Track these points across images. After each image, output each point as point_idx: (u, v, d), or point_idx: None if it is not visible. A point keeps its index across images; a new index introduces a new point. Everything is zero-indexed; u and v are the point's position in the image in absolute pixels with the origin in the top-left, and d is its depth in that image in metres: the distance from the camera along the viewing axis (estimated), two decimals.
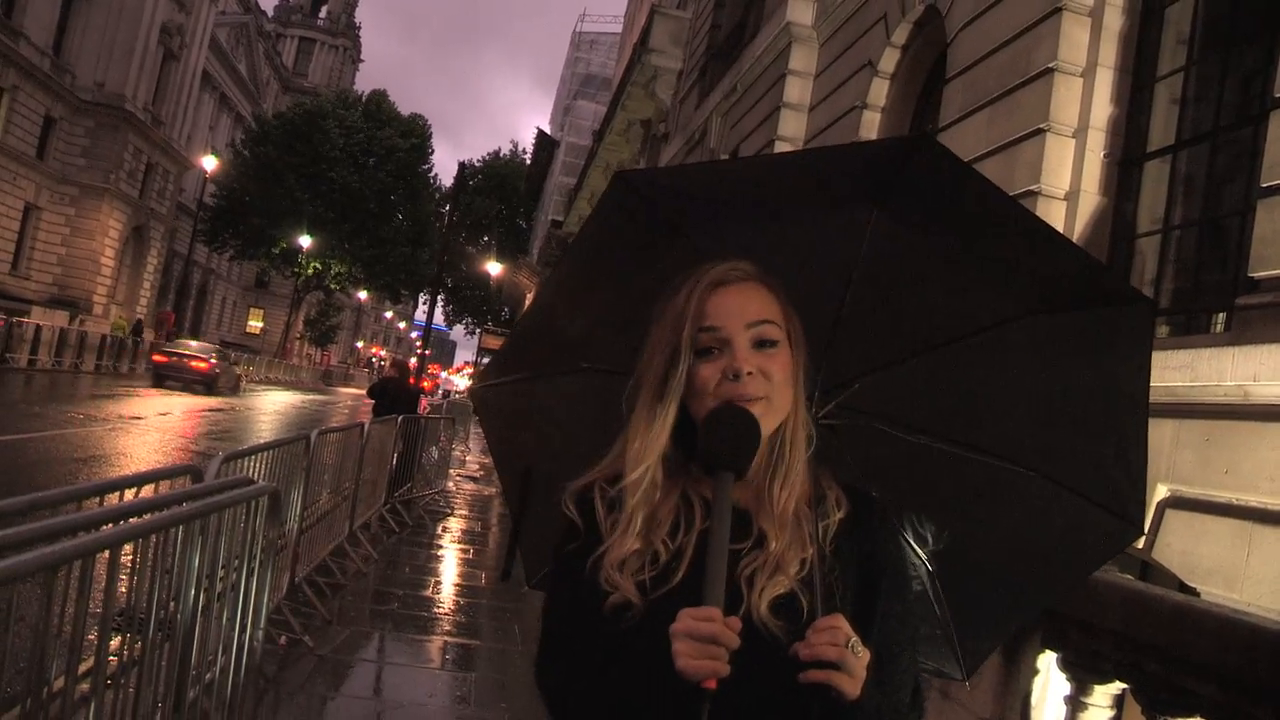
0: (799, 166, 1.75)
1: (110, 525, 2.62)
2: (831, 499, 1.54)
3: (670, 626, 1.30)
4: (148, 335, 42.95)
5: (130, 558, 2.94)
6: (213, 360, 32.48)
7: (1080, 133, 7.47)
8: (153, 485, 3.63)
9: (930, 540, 1.71)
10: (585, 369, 1.91)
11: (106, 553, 2.52)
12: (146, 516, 2.85)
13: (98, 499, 3.14)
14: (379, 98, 71.69)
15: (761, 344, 1.49)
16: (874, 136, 11.66)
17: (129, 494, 3.32)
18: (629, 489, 1.51)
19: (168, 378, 31.51)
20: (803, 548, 1.46)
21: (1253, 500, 4.89)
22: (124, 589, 3.10)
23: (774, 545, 1.46)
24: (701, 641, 1.27)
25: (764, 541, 1.47)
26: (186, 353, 32.46)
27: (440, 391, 59.06)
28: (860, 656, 1.33)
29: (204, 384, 31.77)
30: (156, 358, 32.61)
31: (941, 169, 1.51)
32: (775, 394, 1.48)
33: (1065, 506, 1.78)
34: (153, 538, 2.83)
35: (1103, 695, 3.19)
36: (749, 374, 1.46)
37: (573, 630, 1.52)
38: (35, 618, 2.36)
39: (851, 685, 1.31)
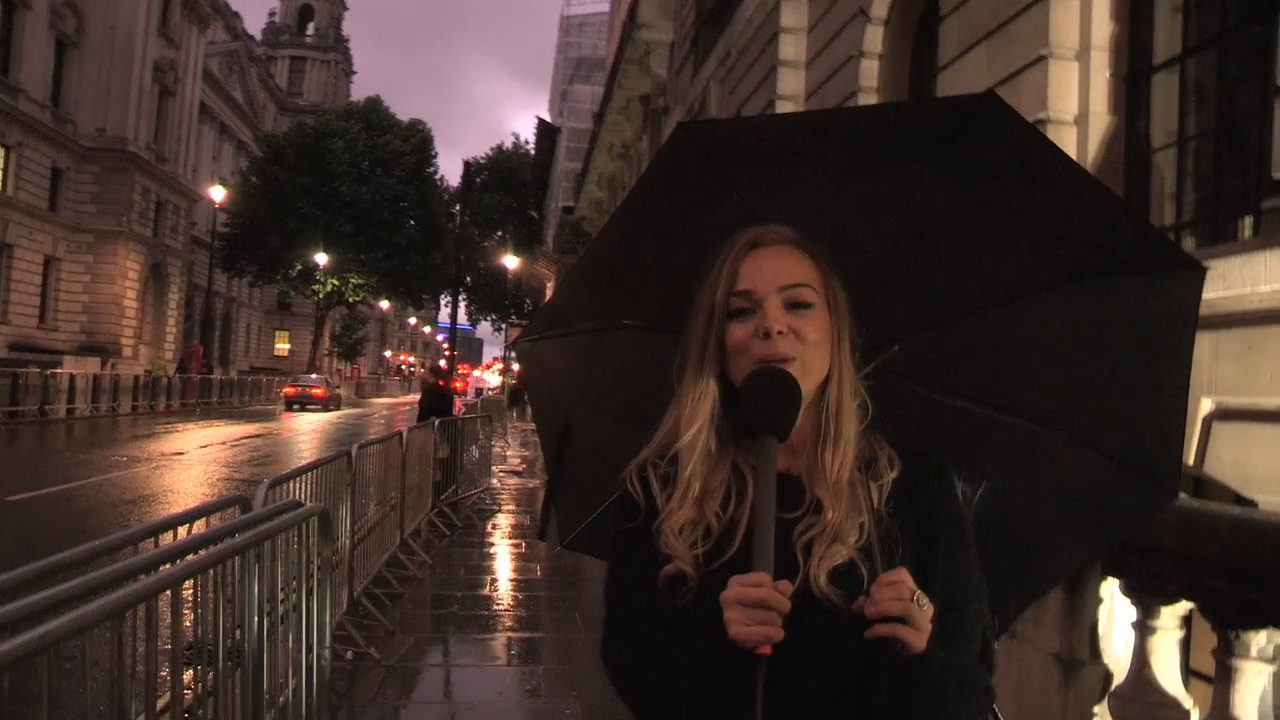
0: (859, 123, 1.73)
1: (168, 565, 2.65)
2: (883, 460, 1.52)
3: (721, 595, 1.31)
4: (171, 369, 43.24)
5: (191, 592, 2.98)
6: (328, 387, 45.79)
7: (1082, 54, 7.36)
8: (204, 520, 3.67)
9: (970, 499, 1.69)
10: (627, 326, 1.89)
11: (168, 592, 2.55)
12: (202, 552, 2.88)
13: (153, 540, 3.18)
14: (374, 104, 71.72)
15: (795, 305, 1.48)
16: (873, 84, 11.56)
17: (182, 531, 3.37)
18: (681, 455, 1.51)
19: (297, 403, 43.21)
20: (859, 513, 1.45)
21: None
22: (189, 623, 3.15)
23: (830, 514, 1.44)
24: (752, 608, 1.27)
25: (819, 509, 1.46)
26: (308, 384, 45.74)
27: (473, 390, 59.30)
28: (925, 609, 1.32)
29: (322, 405, 43.70)
30: (287, 391, 45.27)
31: (1003, 129, 1.49)
32: (809, 355, 1.47)
33: (1099, 469, 1.76)
34: (210, 572, 2.87)
35: (1170, 617, 3.17)
36: (780, 333, 1.45)
37: (634, 607, 1.53)
38: (109, 661, 2.40)
39: (917, 638, 1.31)
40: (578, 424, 1.95)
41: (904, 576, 1.33)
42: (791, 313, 1.48)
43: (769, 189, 1.67)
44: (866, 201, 1.67)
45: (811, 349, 1.48)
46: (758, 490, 1.38)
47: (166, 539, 3.25)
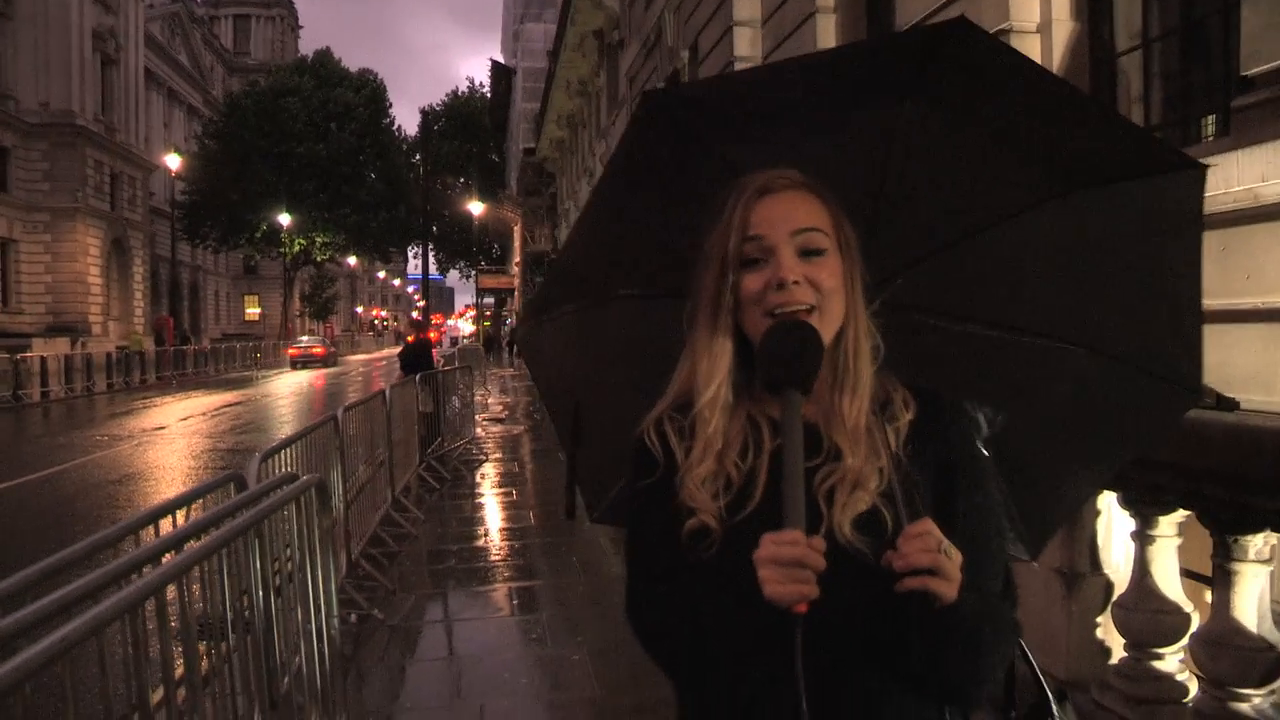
0: (827, 67, 1.69)
1: (171, 553, 2.65)
2: (898, 402, 1.51)
3: (754, 554, 1.30)
4: (148, 344, 42.91)
5: (198, 573, 2.97)
6: (326, 346, 51.18)
7: None
8: (201, 501, 3.66)
9: (984, 423, 1.69)
10: (621, 296, 1.89)
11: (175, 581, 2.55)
12: (206, 537, 2.87)
13: (153, 526, 3.17)
14: (323, 57, 70.38)
15: (808, 252, 1.46)
16: (830, 4, 11.42)
17: (180, 515, 3.36)
18: (704, 409, 1.50)
19: (299, 363, 47.25)
20: (878, 458, 1.44)
21: (1277, 301, 4.87)
22: (195, 595, 3.15)
23: (850, 460, 1.43)
24: (787, 566, 1.27)
25: (837, 455, 1.45)
26: (309, 344, 50.68)
27: (448, 340, 59.33)
28: (953, 558, 1.32)
29: (323, 363, 48.29)
30: (290, 352, 49.33)
31: (975, 52, 1.47)
32: (825, 302, 1.45)
33: (1117, 378, 1.76)
34: (215, 557, 2.86)
35: (1168, 525, 3.22)
36: (795, 283, 1.43)
37: (658, 564, 1.51)
38: (125, 650, 2.41)
39: (948, 588, 1.30)
40: (589, 401, 1.94)
41: (930, 527, 1.32)
42: (805, 260, 1.46)
43: (748, 142, 1.65)
44: (848, 141, 1.65)
45: (828, 296, 1.46)
46: (786, 446, 1.36)
47: (166, 524, 3.25)
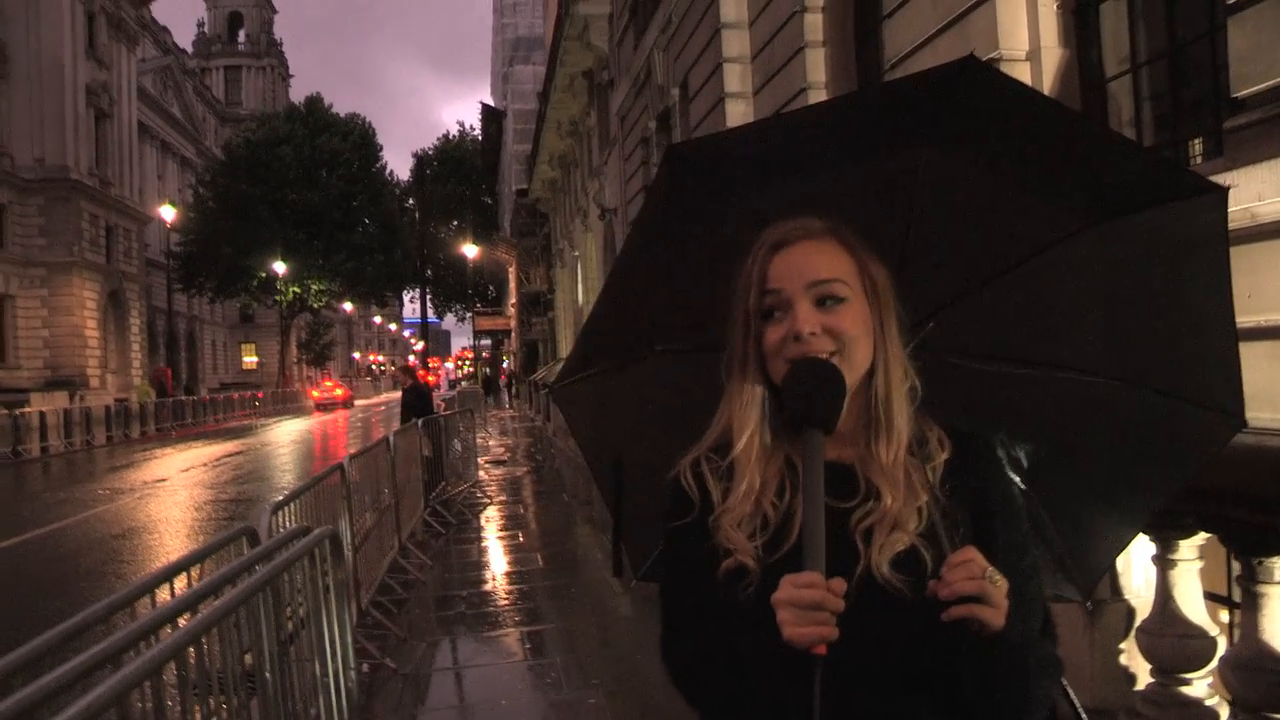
0: (843, 112, 1.71)
1: (189, 615, 2.62)
2: (934, 441, 1.51)
3: (772, 596, 1.30)
4: (153, 395, 42.88)
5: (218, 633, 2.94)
6: (347, 389, 58.68)
7: None
8: (214, 556, 3.64)
9: (1024, 461, 1.69)
10: (659, 352, 1.89)
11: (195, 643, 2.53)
12: (223, 596, 2.85)
13: (168, 586, 3.14)
14: (313, 103, 70.81)
15: (827, 300, 1.46)
16: (819, 38, 11.52)
17: (194, 572, 3.33)
18: (738, 461, 1.50)
19: (323, 407, 52.93)
20: (916, 498, 1.44)
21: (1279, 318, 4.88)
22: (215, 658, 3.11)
23: (889, 501, 1.43)
24: (805, 609, 1.26)
25: (876, 496, 1.45)
26: (331, 387, 58.96)
27: (446, 384, 59.87)
28: (999, 585, 1.31)
29: (345, 405, 54.66)
30: (314, 396, 56.96)
31: (988, 90, 1.48)
32: (848, 349, 1.45)
33: (1157, 408, 1.75)
34: (231, 616, 2.84)
35: (1189, 548, 3.20)
36: (812, 334, 1.43)
37: (693, 605, 1.51)
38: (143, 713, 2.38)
39: (995, 615, 1.30)
40: (629, 456, 1.93)
41: (974, 555, 1.32)
42: (824, 310, 1.46)
43: (774, 192, 1.66)
44: (871, 187, 1.66)
45: (850, 344, 1.46)
46: (806, 485, 1.36)
47: (180, 581, 3.22)
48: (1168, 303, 1.71)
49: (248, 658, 3.31)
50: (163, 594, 3.13)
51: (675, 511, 1.56)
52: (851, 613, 1.28)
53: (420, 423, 12.56)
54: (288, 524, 5.08)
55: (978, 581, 1.30)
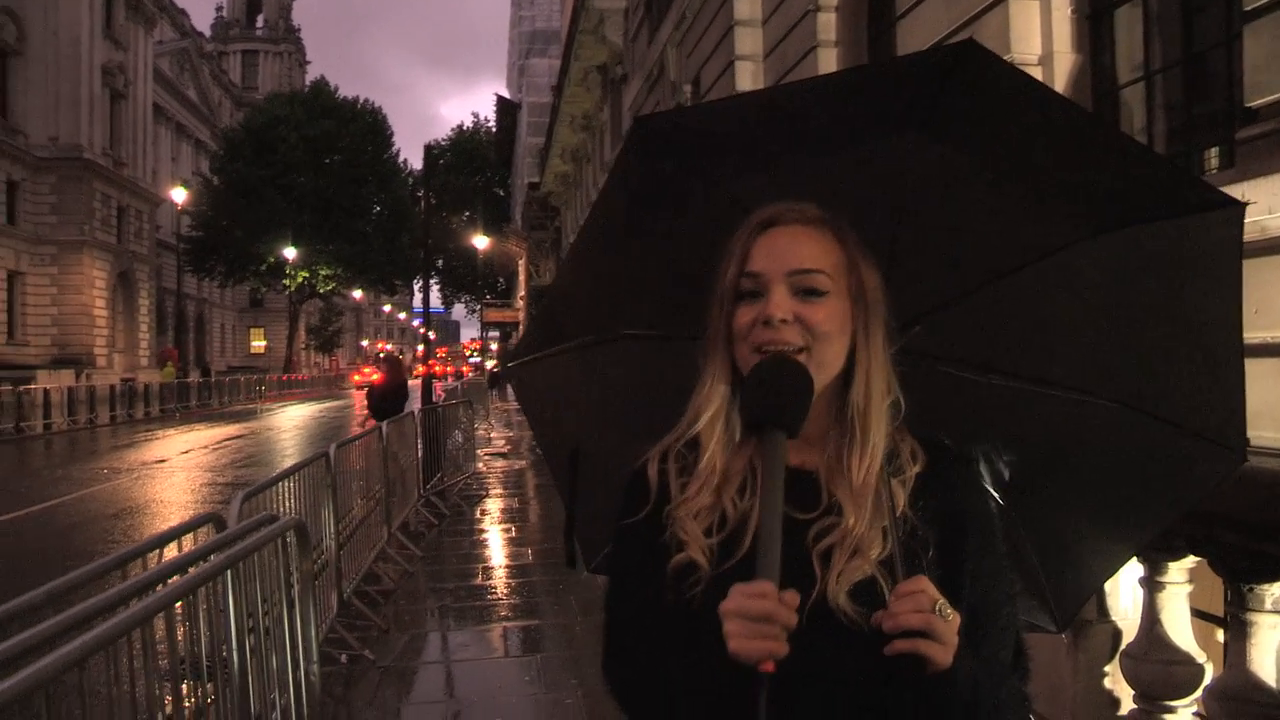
0: (834, 92, 1.58)
1: (136, 600, 2.53)
2: (906, 453, 1.40)
3: (721, 605, 1.19)
4: (153, 376, 43.00)
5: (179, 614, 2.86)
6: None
7: None
8: (176, 542, 3.55)
9: (1007, 475, 1.56)
10: (626, 336, 1.78)
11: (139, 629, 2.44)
12: (175, 579, 2.76)
13: (127, 569, 3.06)
14: (319, 88, 70.78)
15: (805, 292, 1.36)
16: (832, 38, 11.42)
17: (153, 557, 3.25)
18: (701, 440, 1.41)
19: (364, 387, 56.84)
20: (882, 517, 1.33)
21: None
22: (165, 643, 3.03)
23: (852, 521, 1.32)
24: (755, 621, 1.16)
25: (837, 511, 1.34)
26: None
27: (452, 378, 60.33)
28: (950, 620, 1.21)
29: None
30: (356, 380, 59.11)
31: (989, 79, 1.35)
32: (818, 347, 1.35)
33: (1154, 437, 1.61)
34: (181, 602, 2.75)
35: (1178, 572, 3.09)
36: (782, 321, 1.34)
37: (637, 616, 1.42)
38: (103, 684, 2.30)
39: (942, 653, 1.20)
40: (587, 445, 1.81)
41: (924, 585, 1.22)
42: (801, 300, 1.36)
43: (754, 175, 1.54)
44: (859, 175, 1.52)
45: (821, 341, 1.35)
46: (763, 492, 1.26)
47: (136, 567, 3.14)
48: (1173, 323, 1.57)
49: (224, 650, 3.24)
50: (120, 579, 3.05)
51: (629, 506, 1.47)
52: (802, 636, 1.18)
53: (420, 411, 12.44)
54: (267, 511, 4.98)
55: (924, 615, 1.20)
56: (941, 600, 1.22)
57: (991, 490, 1.51)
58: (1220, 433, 1.60)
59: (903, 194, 1.52)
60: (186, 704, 3.12)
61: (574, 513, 1.85)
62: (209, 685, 3.18)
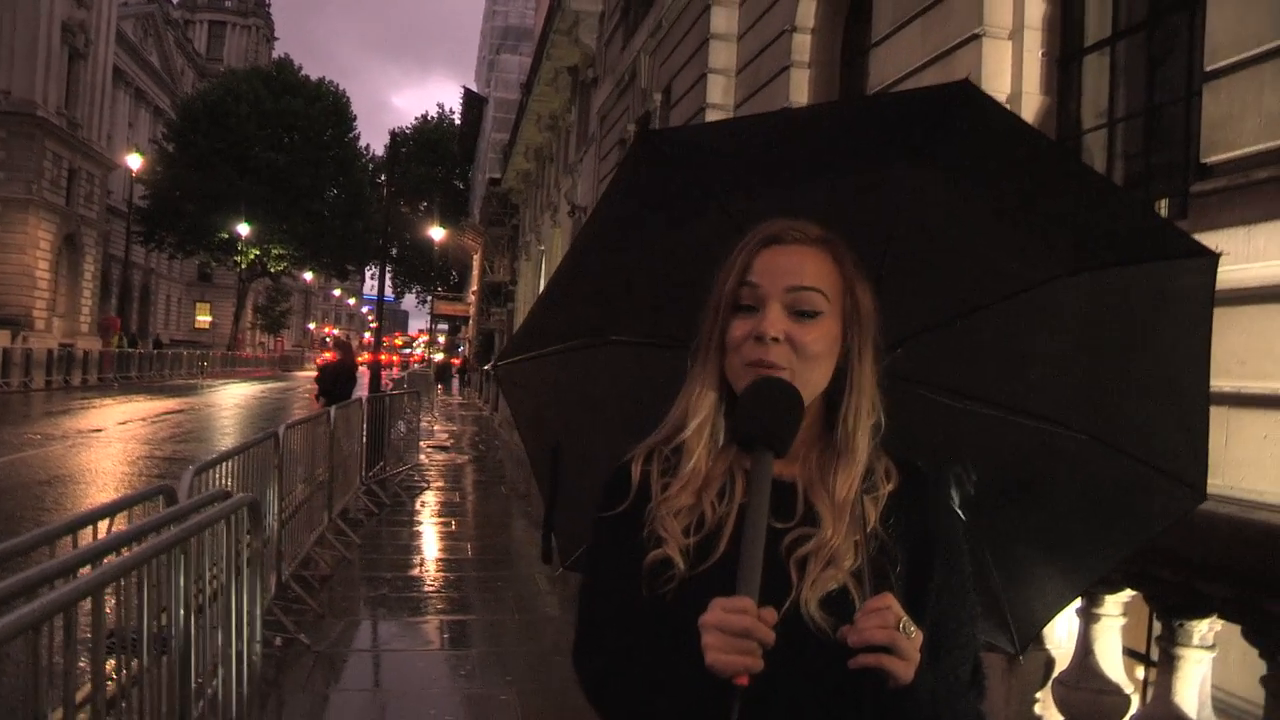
0: (834, 121, 1.64)
1: (89, 568, 2.52)
2: (880, 471, 1.45)
3: (700, 618, 1.23)
4: (93, 344, 42.19)
5: (116, 589, 2.84)
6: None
7: (1016, 33, 7.41)
8: (126, 512, 3.52)
9: (975, 497, 1.62)
10: (615, 341, 1.82)
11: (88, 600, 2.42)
12: (125, 552, 2.74)
13: (71, 537, 3.03)
14: (282, 66, 70.02)
15: (801, 313, 1.41)
16: (805, 59, 11.55)
17: (103, 526, 3.22)
18: (687, 445, 1.45)
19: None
20: (855, 532, 1.38)
21: (1227, 386, 4.91)
22: (110, 610, 3.00)
23: (829, 533, 1.37)
24: (733, 635, 1.20)
25: (813, 521, 1.39)
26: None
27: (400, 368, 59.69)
28: (913, 638, 1.25)
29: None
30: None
31: (982, 119, 1.42)
32: (802, 368, 1.39)
33: (1120, 471, 1.68)
34: (133, 574, 2.73)
35: (1114, 604, 3.20)
36: (774, 339, 1.38)
37: (612, 611, 1.45)
38: (24, 661, 2.28)
39: (904, 669, 1.24)
40: (569, 443, 1.85)
41: (890, 603, 1.26)
42: (794, 319, 1.40)
43: (747, 193, 1.59)
44: (848, 201, 1.58)
45: (807, 362, 1.39)
46: (749, 509, 1.30)
47: (86, 535, 3.11)
48: (1145, 362, 1.64)
49: (163, 616, 3.21)
50: (65, 546, 3.02)
51: (609, 501, 1.50)
52: (776, 646, 1.22)
53: (366, 399, 12.37)
54: (213, 487, 4.95)
55: (888, 631, 1.24)
56: (906, 618, 1.26)
57: (959, 512, 1.57)
58: (1184, 471, 1.68)
59: (893, 221, 1.58)
60: (121, 674, 3.10)
61: (554, 507, 1.89)
62: (146, 659, 3.16)
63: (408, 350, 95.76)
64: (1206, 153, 5.40)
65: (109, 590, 2.72)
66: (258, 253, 64.83)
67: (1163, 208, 6.40)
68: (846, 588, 1.34)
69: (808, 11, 11.49)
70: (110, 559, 2.68)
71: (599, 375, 1.87)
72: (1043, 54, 7.33)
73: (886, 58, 8.99)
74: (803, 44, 11.56)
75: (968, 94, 1.38)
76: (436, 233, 54.02)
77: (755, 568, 1.24)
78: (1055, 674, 3.33)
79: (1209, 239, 5.17)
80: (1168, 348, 1.63)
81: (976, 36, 7.46)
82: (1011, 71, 7.41)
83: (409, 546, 10.07)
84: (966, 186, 1.54)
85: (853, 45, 11.20)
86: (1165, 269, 1.56)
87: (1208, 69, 5.40)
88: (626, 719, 1.42)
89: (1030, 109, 7.30)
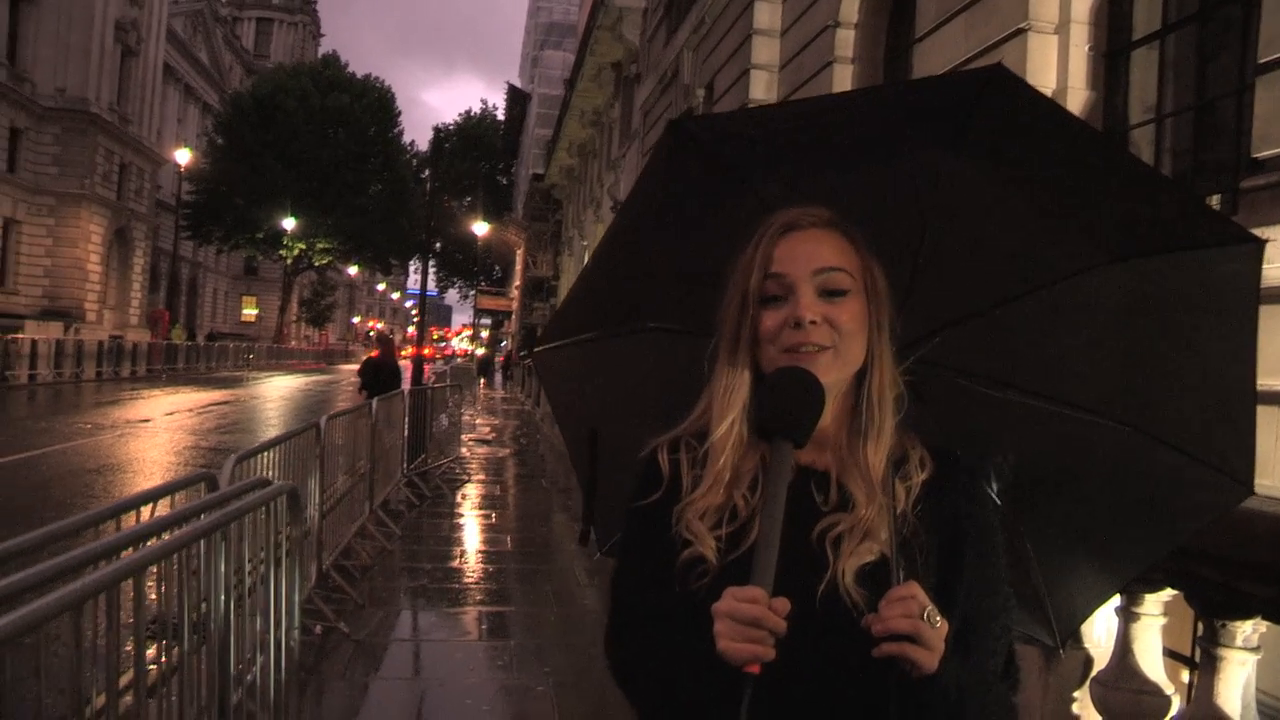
0: (866, 106, 1.63)
1: (131, 550, 2.56)
2: (915, 460, 1.44)
3: (714, 605, 1.24)
4: (142, 335, 42.90)
5: (156, 571, 2.88)
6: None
7: (1062, 28, 7.32)
8: (169, 498, 3.57)
9: (1016, 488, 1.59)
10: (651, 329, 1.82)
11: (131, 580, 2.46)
12: (166, 536, 2.79)
13: (115, 521, 3.08)
14: (328, 61, 70.64)
15: (829, 293, 1.41)
16: (849, 54, 11.49)
17: (145, 511, 3.27)
18: (714, 447, 1.45)
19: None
20: (887, 511, 1.38)
21: (1277, 385, 4.82)
22: (153, 596, 3.06)
23: (864, 511, 1.37)
24: (743, 623, 1.20)
25: (848, 506, 1.39)
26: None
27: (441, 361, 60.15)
28: (938, 628, 1.25)
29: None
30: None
31: (1019, 104, 1.40)
32: (843, 344, 1.40)
33: (1163, 463, 1.65)
34: (175, 556, 2.77)
35: (1154, 603, 3.15)
36: (812, 322, 1.38)
37: (643, 600, 1.46)
38: (68, 645, 2.32)
39: (928, 658, 1.23)
40: (606, 430, 1.85)
41: (914, 591, 1.26)
42: (825, 300, 1.41)
43: (782, 180, 1.58)
44: (885, 187, 1.57)
45: (846, 339, 1.40)
46: (766, 499, 1.30)
47: (129, 519, 3.16)
48: (1188, 352, 1.61)
49: (203, 605, 3.26)
50: (109, 530, 3.07)
51: (643, 490, 1.51)
52: (811, 626, 1.23)
53: (409, 392, 12.45)
54: (254, 475, 5.01)
55: (912, 620, 1.23)
56: (931, 607, 1.25)
57: (999, 503, 1.55)
58: (1230, 463, 1.64)
59: (930, 208, 1.57)
60: (163, 660, 3.14)
61: (592, 492, 1.89)
62: (187, 645, 3.20)
63: (443, 344, 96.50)
64: (1258, 147, 5.31)
65: (150, 573, 2.76)
66: (303, 247, 65.47)
67: (1213, 204, 6.31)
68: (885, 559, 1.34)
69: (851, 7, 11.43)
70: (152, 542, 2.72)
71: (636, 363, 1.88)
72: (1089, 48, 7.23)
73: (930, 53, 8.92)
74: (846, 39, 11.50)
75: (1002, 78, 1.37)
76: (480, 228, 54.33)
77: (770, 556, 1.24)
78: (1094, 673, 3.29)
79: (1262, 235, 5.09)
80: (1212, 337, 1.59)
81: (1022, 31, 7.38)
82: (1057, 66, 7.32)
83: (449, 538, 10.14)
84: (1004, 172, 1.52)
85: (896, 41, 11.13)
86: (1208, 256, 1.52)
87: (1261, 61, 5.31)
88: (652, 705, 1.44)
89: (1076, 103, 7.21)
